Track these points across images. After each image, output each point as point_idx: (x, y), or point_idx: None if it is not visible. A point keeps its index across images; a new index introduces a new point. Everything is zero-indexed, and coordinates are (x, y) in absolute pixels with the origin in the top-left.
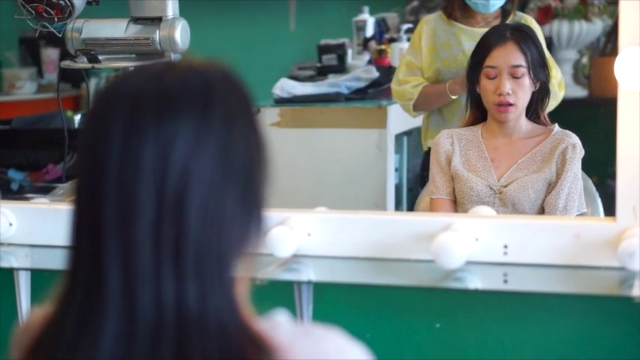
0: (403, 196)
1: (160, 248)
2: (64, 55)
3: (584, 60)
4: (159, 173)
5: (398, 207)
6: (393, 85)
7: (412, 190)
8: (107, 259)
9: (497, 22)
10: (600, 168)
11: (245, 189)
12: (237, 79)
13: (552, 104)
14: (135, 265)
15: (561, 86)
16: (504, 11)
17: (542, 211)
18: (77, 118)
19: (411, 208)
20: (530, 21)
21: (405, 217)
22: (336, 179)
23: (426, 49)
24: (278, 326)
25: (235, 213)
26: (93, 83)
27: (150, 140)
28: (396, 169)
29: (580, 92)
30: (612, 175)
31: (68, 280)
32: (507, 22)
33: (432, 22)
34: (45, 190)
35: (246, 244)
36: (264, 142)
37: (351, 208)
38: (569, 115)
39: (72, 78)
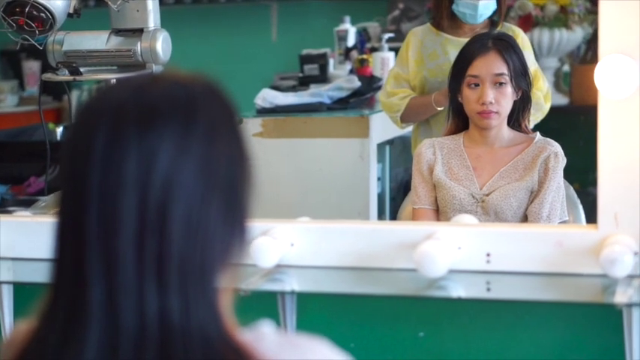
0: (386, 205)
1: (142, 260)
2: (46, 67)
3: (565, 68)
4: (141, 185)
5: (381, 216)
6: (382, 97)
7: (395, 199)
8: (90, 272)
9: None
10: (581, 175)
11: (228, 200)
12: (220, 91)
13: (538, 116)
14: (117, 278)
15: (547, 98)
16: (492, 22)
17: (524, 219)
18: (59, 130)
19: (394, 217)
20: (518, 32)
21: (388, 226)
22: (319, 189)
23: (413, 60)
24: (263, 337)
25: (218, 224)
26: (75, 95)
27: (132, 152)
28: (379, 178)
29: (561, 100)
30: (594, 183)
31: (51, 293)
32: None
33: (419, 33)
34: (27, 203)
35: (229, 256)
36: (247, 154)
37: (334, 217)
38: (550, 122)
39: (53, 90)
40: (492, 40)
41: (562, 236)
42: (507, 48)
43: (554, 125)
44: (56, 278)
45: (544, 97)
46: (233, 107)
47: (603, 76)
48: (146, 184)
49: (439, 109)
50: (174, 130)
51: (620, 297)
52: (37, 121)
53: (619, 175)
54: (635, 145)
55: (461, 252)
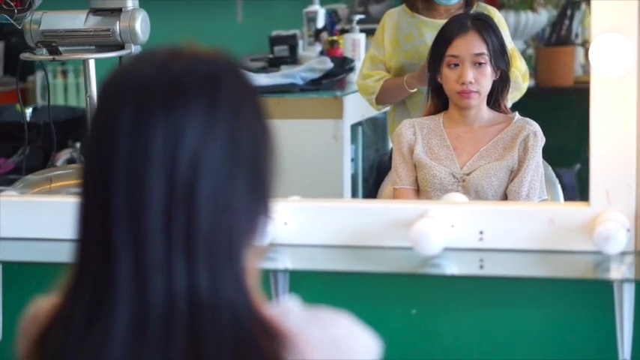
0: (359, 185)
1: (170, 236)
2: (10, 48)
3: (530, 50)
4: (169, 162)
5: (354, 197)
6: (358, 80)
7: (367, 180)
8: (117, 249)
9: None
10: (548, 156)
11: (253, 176)
12: (240, 67)
13: (516, 95)
14: (146, 254)
15: (525, 78)
16: (467, 3)
17: (504, 198)
18: (28, 111)
19: (367, 197)
20: (494, 11)
21: (381, 204)
22: (293, 170)
23: (388, 42)
24: (288, 312)
25: (244, 199)
26: (39, 77)
27: (159, 129)
28: (352, 159)
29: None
30: (561, 163)
31: (76, 270)
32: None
33: (395, 15)
34: (6, 183)
35: (255, 231)
36: (270, 130)
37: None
38: (517, 104)
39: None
40: (471, 20)
41: (554, 214)
42: (486, 28)
43: (520, 107)
44: (81, 256)
45: (522, 77)
46: (253, 83)
47: (597, 54)
48: (174, 160)
49: (411, 91)
50: (200, 106)
51: (615, 273)
52: (3, 103)
53: (611, 153)
54: (627, 124)
55: (454, 230)
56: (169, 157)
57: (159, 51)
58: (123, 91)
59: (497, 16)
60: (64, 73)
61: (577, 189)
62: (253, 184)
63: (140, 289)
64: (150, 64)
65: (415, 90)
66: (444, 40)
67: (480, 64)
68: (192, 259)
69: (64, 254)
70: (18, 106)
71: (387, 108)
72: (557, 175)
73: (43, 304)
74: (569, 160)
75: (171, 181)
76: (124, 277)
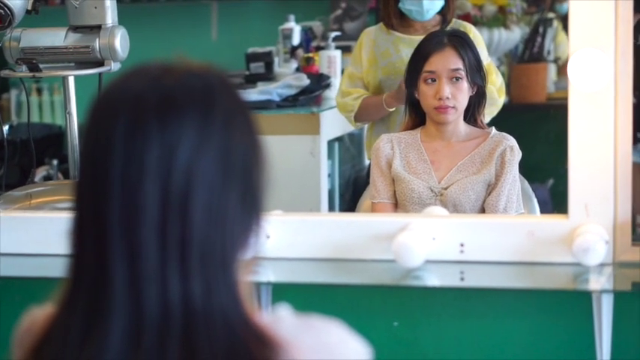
0: (335, 201)
1: (165, 247)
2: None
3: (504, 68)
4: (163, 174)
5: (331, 212)
6: (337, 97)
7: (344, 195)
8: (112, 260)
9: (436, 30)
10: (522, 172)
11: (245, 188)
12: (232, 82)
13: (493, 110)
14: (141, 265)
15: (501, 92)
16: (444, 19)
17: (482, 211)
18: (5, 128)
19: (344, 212)
20: (470, 27)
21: (363, 218)
22: (271, 185)
23: (366, 59)
24: (280, 320)
25: (237, 211)
26: (13, 94)
27: (154, 142)
28: (329, 175)
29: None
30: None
31: (72, 281)
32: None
33: (372, 33)
34: None
35: (247, 242)
36: (261, 144)
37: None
38: (491, 121)
39: None
40: (448, 36)
41: (534, 226)
42: (463, 44)
43: (493, 123)
44: (76, 267)
45: (497, 91)
46: (245, 97)
47: (575, 69)
48: (168, 172)
49: (390, 110)
50: (194, 119)
51: (594, 284)
52: None
53: (589, 166)
54: (605, 137)
55: (435, 242)
56: (164, 169)
57: (151, 65)
58: (116, 105)
59: (474, 32)
60: (39, 91)
61: (550, 204)
62: (246, 196)
63: (135, 299)
64: (143, 78)
65: (394, 109)
66: (420, 56)
67: (457, 79)
68: (187, 270)
69: (50, 269)
70: None
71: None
72: (535, 190)
73: (38, 315)
74: (542, 176)
75: (165, 192)
76: (119, 287)
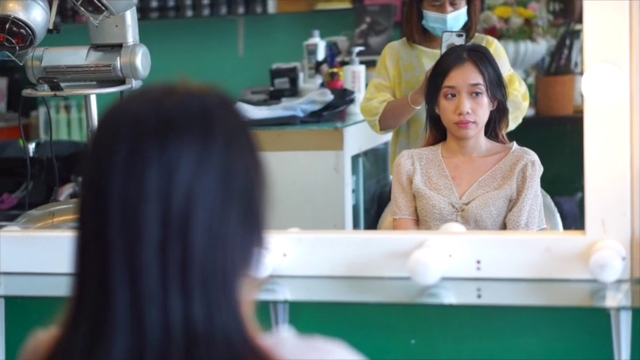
0: (360, 216)
1: (166, 269)
2: (13, 84)
3: (530, 80)
4: (163, 196)
5: (356, 228)
6: (361, 103)
7: (368, 211)
8: (114, 282)
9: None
10: (550, 185)
11: (246, 208)
12: (233, 102)
13: (517, 115)
14: (142, 287)
15: (525, 97)
16: (467, 34)
17: (503, 227)
18: (31, 146)
19: (368, 228)
20: (492, 41)
21: (379, 235)
22: (294, 202)
23: (392, 70)
24: (283, 342)
25: (238, 232)
26: (42, 112)
27: (154, 165)
28: (353, 190)
29: (528, 111)
30: (560, 192)
31: (74, 303)
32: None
33: (395, 46)
34: (9, 218)
35: (249, 262)
36: (263, 164)
37: (310, 229)
38: (516, 133)
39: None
40: (467, 51)
41: (550, 242)
42: (482, 59)
43: (520, 136)
44: (78, 289)
45: (522, 97)
46: (246, 117)
47: (590, 85)
48: (168, 194)
49: (417, 108)
50: (193, 141)
51: (611, 301)
52: (6, 138)
53: (605, 182)
54: (621, 153)
55: (452, 259)
56: (164, 191)
57: (152, 88)
58: (117, 127)
59: (495, 45)
60: (67, 108)
61: (578, 217)
62: (246, 216)
63: (137, 321)
64: (143, 101)
65: (419, 107)
66: (440, 71)
67: (477, 94)
68: (188, 291)
69: (66, 288)
70: (21, 142)
71: (388, 138)
72: (558, 204)
73: (43, 337)
74: (571, 189)
75: (166, 214)
76: (120, 309)
